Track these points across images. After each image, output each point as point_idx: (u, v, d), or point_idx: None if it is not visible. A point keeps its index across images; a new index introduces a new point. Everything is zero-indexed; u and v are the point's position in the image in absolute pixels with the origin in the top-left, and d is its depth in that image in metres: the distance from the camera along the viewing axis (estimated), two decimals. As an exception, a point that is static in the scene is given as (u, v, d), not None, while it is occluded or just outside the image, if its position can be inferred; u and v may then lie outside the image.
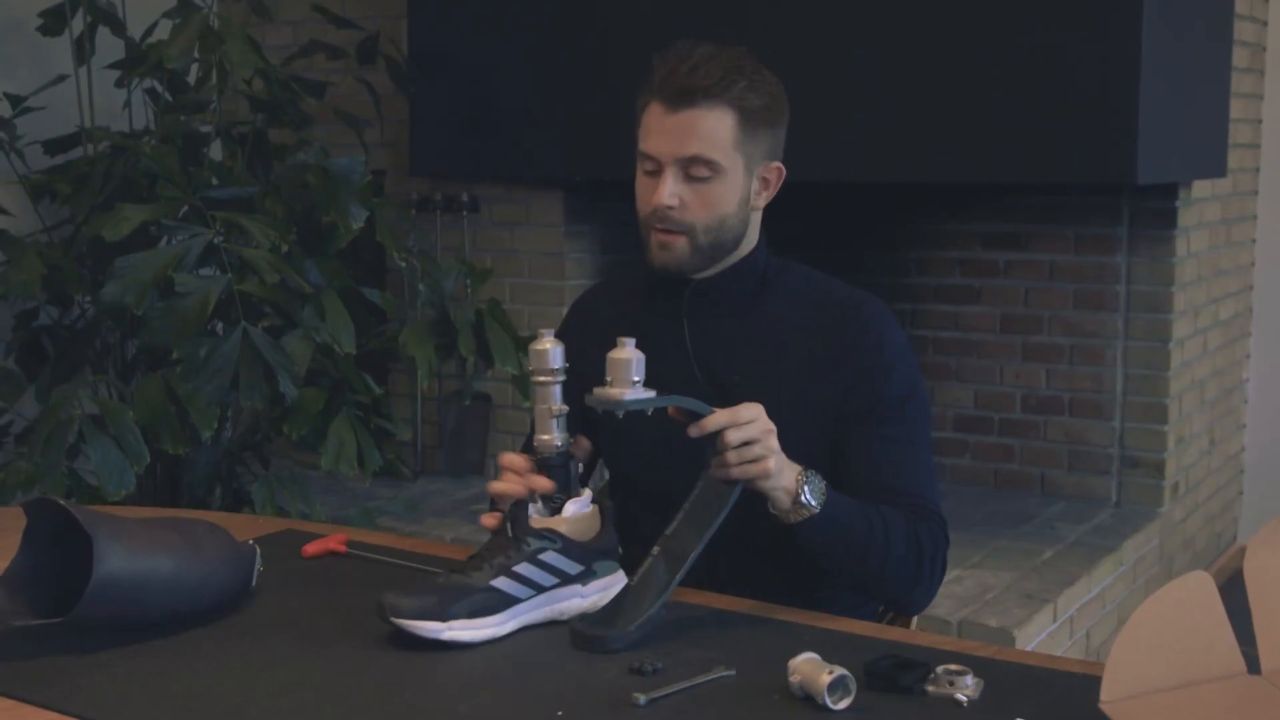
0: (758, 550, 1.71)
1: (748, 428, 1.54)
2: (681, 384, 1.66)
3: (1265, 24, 4.32)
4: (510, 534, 1.53)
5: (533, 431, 1.86)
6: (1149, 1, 3.17)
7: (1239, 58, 4.07)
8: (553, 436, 1.60)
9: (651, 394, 1.54)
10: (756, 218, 1.78)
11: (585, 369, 1.67)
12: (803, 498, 1.58)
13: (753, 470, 1.55)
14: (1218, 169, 3.93)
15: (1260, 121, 4.41)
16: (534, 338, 1.65)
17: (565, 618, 1.54)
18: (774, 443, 1.55)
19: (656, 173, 1.70)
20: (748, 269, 1.78)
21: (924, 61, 3.38)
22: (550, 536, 1.54)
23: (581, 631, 1.50)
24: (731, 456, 1.54)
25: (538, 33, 3.89)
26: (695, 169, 1.68)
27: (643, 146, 1.71)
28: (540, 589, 1.53)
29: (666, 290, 1.79)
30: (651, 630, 1.51)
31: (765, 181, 1.75)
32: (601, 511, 1.60)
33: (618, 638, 1.48)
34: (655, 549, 1.57)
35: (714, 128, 1.67)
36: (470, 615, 1.47)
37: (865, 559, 1.63)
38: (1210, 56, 3.84)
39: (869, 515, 1.64)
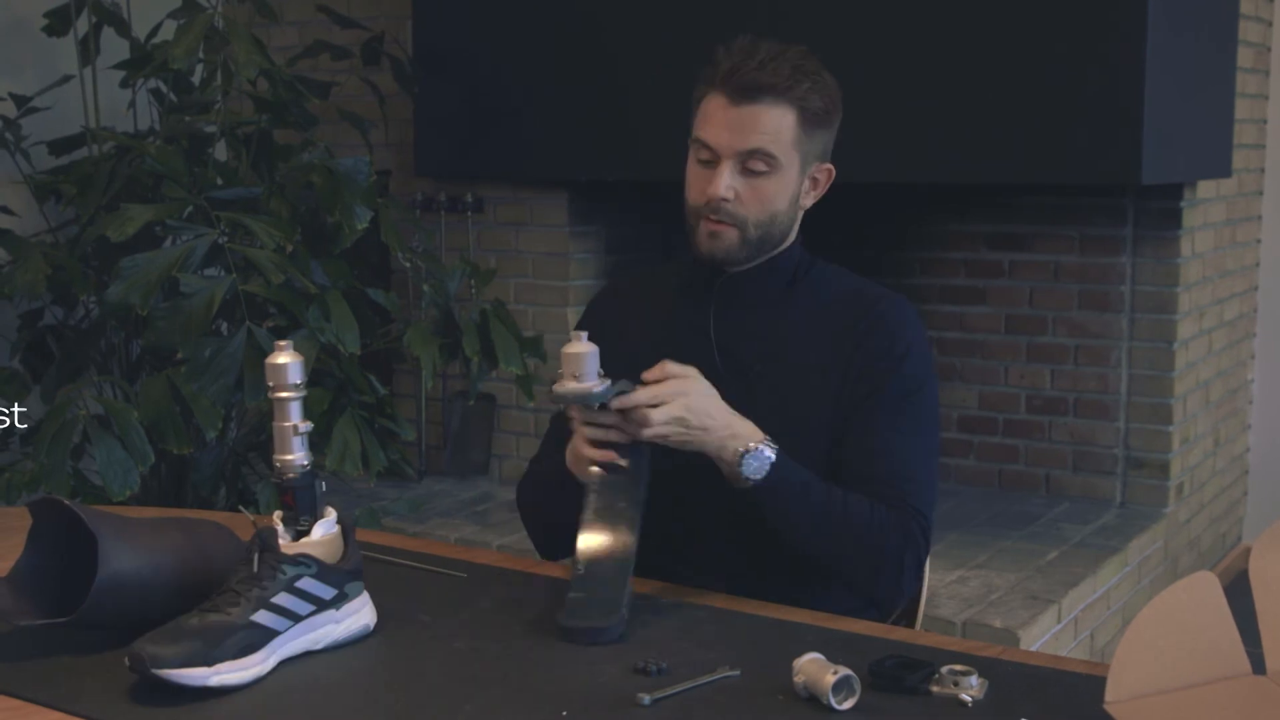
0: (727, 537, 1.72)
1: (659, 388, 1.58)
2: (703, 373, 1.66)
3: (1270, 24, 4.32)
4: (256, 566, 1.44)
5: (550, 434, 1.87)
6: (1154, 2, 3.17)
7: (1244, 58, 4.07)
8: (295, 456, 1.52)
9: (607, 383, 1.56)
10: (799, 216, 1.79)
11: (631, 361, 1.66)
12: (741, 469, 1.60)
13: (666, 431, 1.58)
14: (1222, 169, 3.93)
15: (1265, 122, 4.40)
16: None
17: (319, 647, 1.48)
18: (689, 403, 1.59)
19: (711, 162, 1.71)
20: (782, 266, 1.79)
21: (928, 63, 3.38)
22: (305, 561, 1.47)
23: (575, 627, 1.49)
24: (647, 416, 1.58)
25: (542, 33, 3.89)
26: (753, 163, 1.70)
27: (700, 134, 1.72)
28: (297, 618, 1.45)
29: (699, 282, 1.80)
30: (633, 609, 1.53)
31: (815, 181, 1.77)
32: (344, 531, 1.54)
33: (617, 625, 1.49)
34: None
35: (777, 125, 1.69)
36: (236, 656, 1.38)
37: (816, 536, 1.65)
38: (1215, 57, 3.83)
39: (830, 496, 1.65)
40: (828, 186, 1.79)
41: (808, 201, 1.78)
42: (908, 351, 1.74)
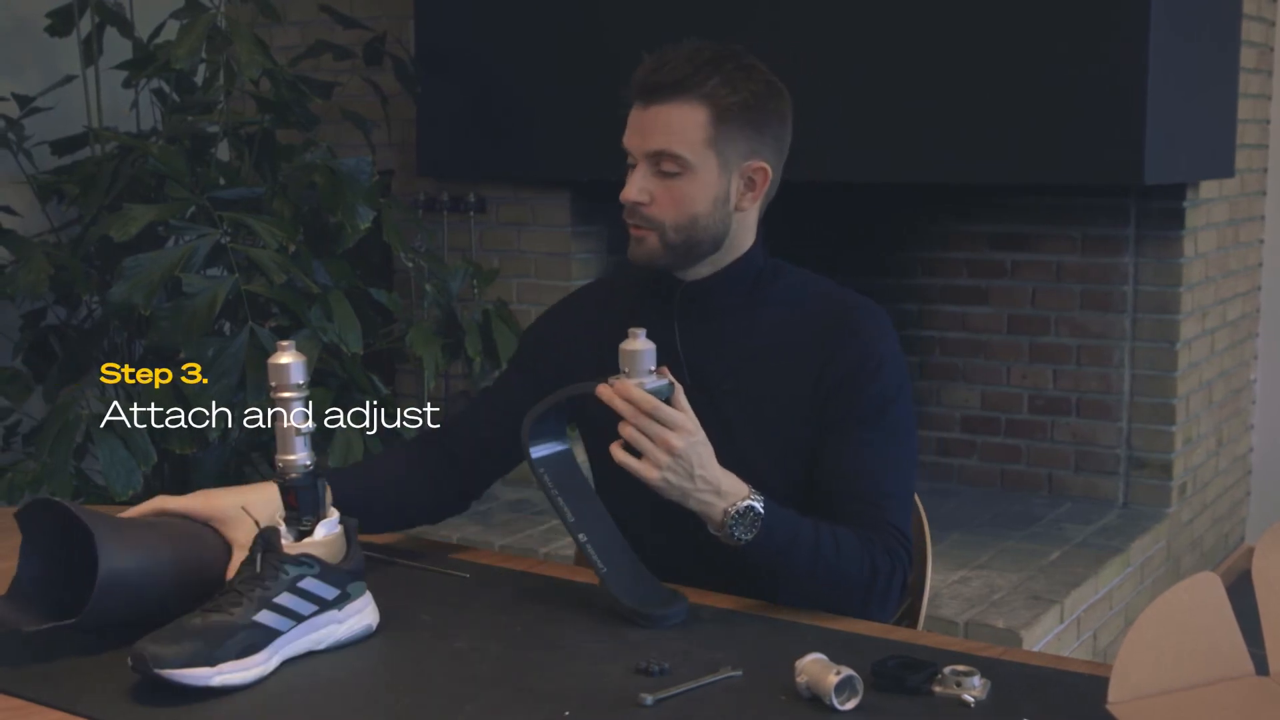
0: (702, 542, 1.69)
1: (664, 431, 1.51)
2: None
3: (1273, 24, 4.32)
4: (259, 566, 1.44)
5: (478, 401, 1.91)
6: (1156, 2, 3.17)
7: (1247, 58, 4.06)
8: (298, 456, 1.52)
9: (657, 381, 1.54)
10: (747, 219, 1.73)
11: (571, 365, 1.65)
12: (734, 532, 1.55)
13: (638, 468, 1.53)
14: (1225, 169, 3.93)
15: (1268, 122, 4.40)
16: None
17: (322, 647, 1.48)
18: (683, 465, 1.52)
19: (634, 167, 1.71)
20: (742, 271, 1.74)
21: (930, 63, 3.38)
22: (308, 561, 1.47)
23: (648, 613, 1.55)
24: (631, 434, 1.52)
25: (544, 33, 3.89)
26: (664, 164, 1.68)
27: (623, 142, 1.72)
28: (300, 618, 1.45)
29: (658, 291, 1.77)
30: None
31: (751, 182, 1.71)
32: (346, 531, 1.54)
33: (681, 606, 1.57)
34: (581, 536, 1.60)
35: (682, 123, 1.66)
36: (239, 656, 1.39)
37: (810, 582, 1.60)
38: (1217, 56, 3.83)
39: (820, 540, 1.59)
40: (766, 187, 1.72)
41: (746, 204, 1.71)
42: (881, 364, 1.69)
